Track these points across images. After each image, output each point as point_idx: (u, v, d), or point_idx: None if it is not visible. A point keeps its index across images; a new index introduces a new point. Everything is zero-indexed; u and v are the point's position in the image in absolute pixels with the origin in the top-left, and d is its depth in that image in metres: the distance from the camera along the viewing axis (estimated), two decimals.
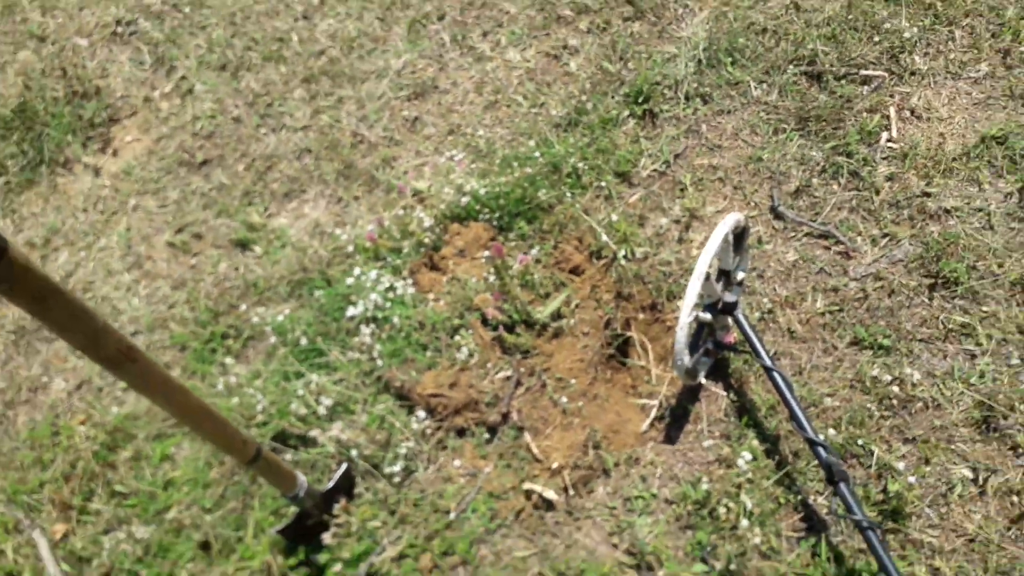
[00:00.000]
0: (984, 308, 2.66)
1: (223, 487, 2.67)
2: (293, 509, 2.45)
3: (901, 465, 2.38)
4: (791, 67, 3.38)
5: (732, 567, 2.29)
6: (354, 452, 2.60)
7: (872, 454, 2.43)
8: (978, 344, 2.60)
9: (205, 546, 2.57)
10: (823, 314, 2.74)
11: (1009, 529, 2.27)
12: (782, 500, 2.40)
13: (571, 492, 2.51)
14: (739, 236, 2.54)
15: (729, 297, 2.51)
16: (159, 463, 2.77)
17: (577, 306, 2.88)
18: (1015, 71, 3.21)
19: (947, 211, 2.89)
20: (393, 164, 3.45)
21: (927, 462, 2.41)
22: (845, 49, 3.38)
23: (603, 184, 3.15)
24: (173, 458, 2.79)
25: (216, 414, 1.92)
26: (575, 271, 2.97)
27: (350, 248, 3.15)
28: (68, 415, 2.96)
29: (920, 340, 2.63)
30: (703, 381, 2.63)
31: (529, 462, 2.59)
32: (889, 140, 3.12)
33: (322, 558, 2.44)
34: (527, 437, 2.63)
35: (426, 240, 3.08)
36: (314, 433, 2.66)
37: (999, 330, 2.61)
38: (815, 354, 2.67)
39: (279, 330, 2.96)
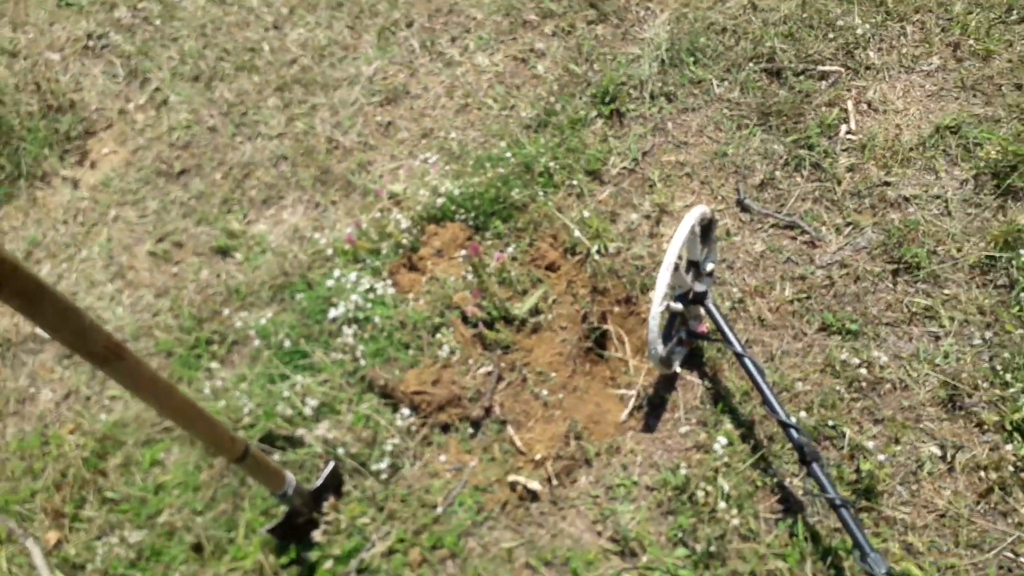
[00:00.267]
0: (945, 291, 2.69)
1: (213, 489, 2.64)
2: (283, 508, 2.42)
3: (872, 445, 2.40)
4: (751, 65, 3.39)
5: (712, 549, 2.29)
6: (341, 451, 2.58)
7: (844, 435, 2.44)
8: (941, 326, 2.62)
9: (197, 548, 2.53)
10: (792, 302, 2.75)
11: (978, 503, 2.30)
12: (759, 483, 2.41)
13: (555, 482, 2.50)
14: (706, 228, 2.54)
15: (699, 287, 2.52)
16: (149, 468, 2.73)
17: (554, 301, 2.87)
18: (965, 63, 3.25)
19: (906, 199, 2.92)
20: (369, 168, 3.42)
21: (897, 441, 2.43)
22: (802, 46, 3.40)
23: (575, 182, 3.15)
24: (163, 463, 2.74)
25: (204, 412, 1.91)
26: (551, 267, 2.96)
27: (329, 251, 3.12)
28: (57, 424, 2.91)
29: (886, 324, 2.66)
30: (678, 370, 2.63)
31: (513, 454, 2.58)
32: (848, 132, 3.14)
33: (313, 556, 2.42)
34: (510, 430, 2.62)
35: (404, 241, 3.06)
36: (301, 433, 2.63)
37: (960, 312, 2.63)
38: (785, 340, 2.68)
39: (263, 333, 2.92)
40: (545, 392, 2.66)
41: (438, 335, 2.81)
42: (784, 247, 2.89)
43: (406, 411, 2.66)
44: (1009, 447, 2.35)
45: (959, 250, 2.76)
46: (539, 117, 3.38)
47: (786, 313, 2.73)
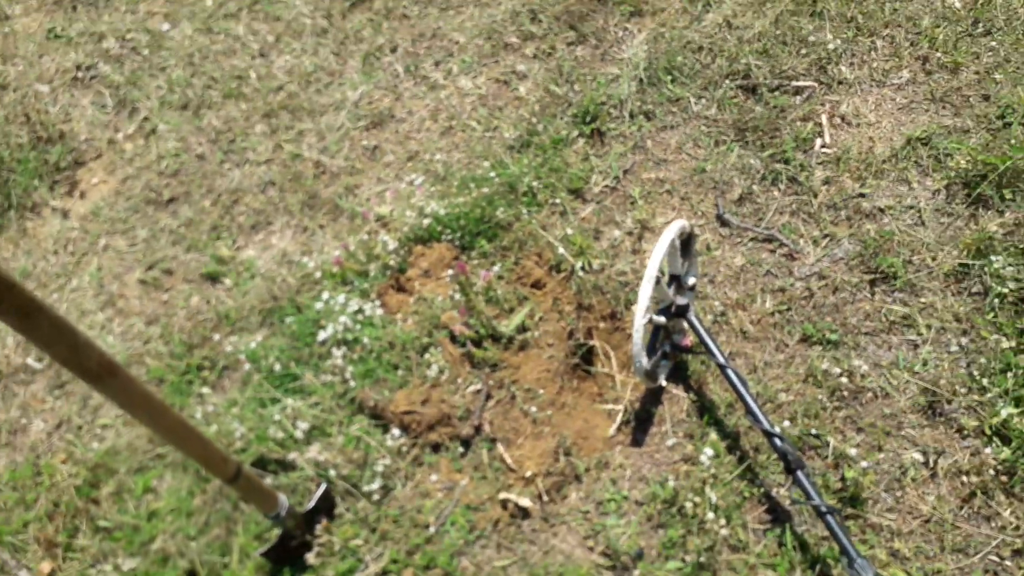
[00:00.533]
0: (922, 299, 2.67)
1: (206, 514, 2.58)
2: (276, 531, 2.38)
3: (855, 452, 2.37)
4: (727, 82, 3.38)
5: (703, 560, 2.26)
6: (332, 473, 2.53)
7: (828, 444, 2.41)
8: (919, 334, 2.60)
9: (191, 574, 2.48)
10: (773, 314, 2.73)
11: (961, 508, 2.27)
12: (746, 494, 2.38)
13: (545, 499, 2.46)
14: (686, 242, 2.52)
15: (681, 300, 2.50)
16: (142, 495, 2.67)
17: (541, 319, 2.84)
18: (934, 76, 3.25)
19: (881, 210, 2.90)
20: (355, 192, 3.39)
21: (880, 448, 2.40)
22: (776, 63, 3.39)
23: (558, 201, 3.12)
24: (155, 490, 2.69)
25: (196, 431, 1.88)
26: (536, 285, 2.93)
27: (318, 275, 3.08)
28: (49, 454, 2.85)
29: (865, 333, 2.63)
30: (664, 383, 2.60)
31: (503, 472, 2.54)
32: (823, 146, 3.13)
33: None
34: (500, 448, 2.58)
35: (391, 263, 3.02)
36: (292, 456, 2.58)
37: (937, 319, 2.62)
38: (767, 352, 2.65)
39: (253, 358, 2.88)
40: (534, 409, 2.63)
41: (426, 355, 2.77)
42: (764, 260, 2.87)
43: (396, 431, 2.61)
44: (989, 450, 2.33)
45: (934, 259, 2.74)
46: (522, 138, 3.36)
47: (767, 325, 2.71)
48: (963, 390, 2.46)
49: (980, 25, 3.35)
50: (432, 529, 2.43)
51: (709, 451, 2.43)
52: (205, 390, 2.85)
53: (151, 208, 3.53)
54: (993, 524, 2.24)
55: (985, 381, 2.45)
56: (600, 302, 2.84)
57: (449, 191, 3.21)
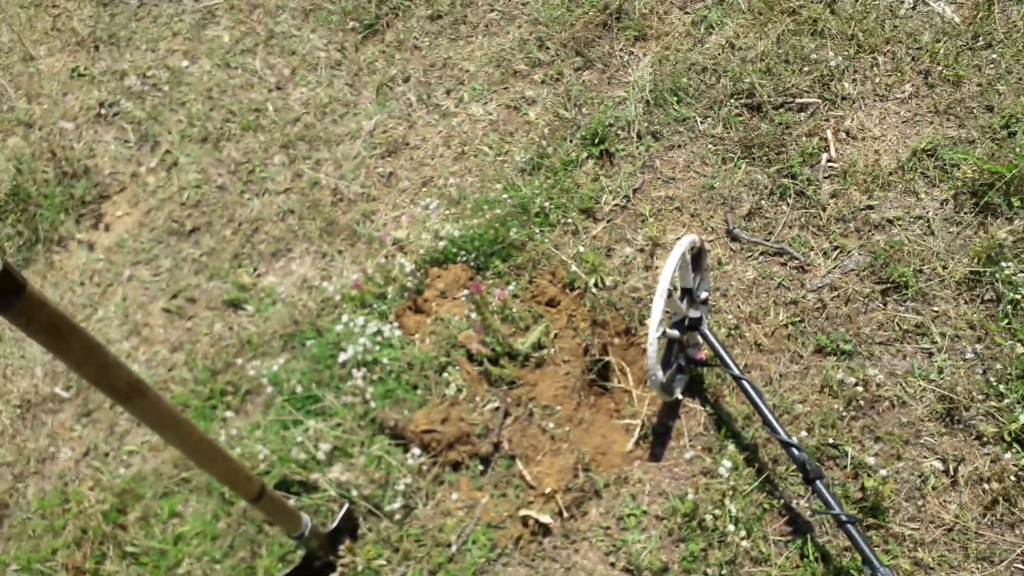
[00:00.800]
0: (935, 308, 2.60)
1: (231, 538, 2.53)
2: (300, 552, 2.32)
3: (874, 462, 2.30)
4: (732, 101, 3.34)
5: (724, 573, 2.19)
6: (354, 493, 2.48)
7: (846, 454, 2.35)
8: (933, 342, 2.54)
9: None
10: (786, 326, 2.67)
11: (984, 516, 2.19)
12: (766, 505, 2.31)
13: (565, 515, 2.40)
14: (696, 256, 2.48)
15: (694, 313, 2.44)
16: (168, 520, 2.63)
17: (556, 336, 2.79)
18: (937, 89, 3.19)
19: (890, 221, 2.85)
20: (372, 217, 3.36)
21: (899, 457, 2.33)
22: (780, 81, 3.35)
23: (569, 220, 3.08)
24: (181, 514, 2.64)
25: (221, 450, 1.86)
26: (551, 303, 2.89)
27: (337, 298, 3.05)
28: (76, 482, 2.81)
29: (879, 343, 2.57)
30: (680, 397, 2.54)
31: (523, 489, 2.48)
32: (829, 160, 3.08)
33: None
34: (519, 465, 2.52)
35: (408, 284, 2.99)
36: (315, 477, 2.54)
37: (951, 327, 2.55)
38: (783, 364, 2.59)
39: (275, 381, 2.84)
40: (551, 425, 2.57)
41: (445, 374, 2.72)
42: (775, 273, 2.81)
43: (416, 451, 2.56)
44: (1009, 456, 2.26)
45: (944, 267, 2.68)
46: (533, 161, 3.33)
47: (781, 337, 2.65)
48: (980, 397, 2.39)
49: (980, 39, 3.30)
50: (454, 548, 2.37)
51: (728, 464, 2.36)
52: (229, 414, 2.81)
53: (174, 239, 3.51)
54: (1017, 532, 2.16)
55: (1002, 387, 2.38)
56: (614, 318, 2.79)
57: (463, 214, 3.18)
